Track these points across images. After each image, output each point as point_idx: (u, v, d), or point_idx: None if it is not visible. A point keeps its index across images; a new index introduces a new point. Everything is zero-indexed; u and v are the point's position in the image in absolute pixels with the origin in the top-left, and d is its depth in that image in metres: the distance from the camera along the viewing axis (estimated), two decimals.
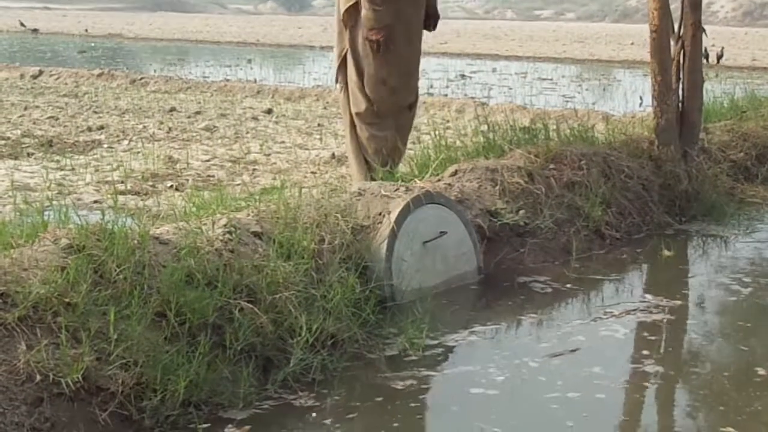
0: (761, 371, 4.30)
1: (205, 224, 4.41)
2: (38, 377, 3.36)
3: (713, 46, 16.12)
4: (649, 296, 5.46)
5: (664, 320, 5.02)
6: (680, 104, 7.46)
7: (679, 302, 5.35)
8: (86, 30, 38.00)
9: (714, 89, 9.95)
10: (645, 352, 4.58)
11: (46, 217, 4.18)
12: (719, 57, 20.58)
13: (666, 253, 6.22)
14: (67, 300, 3.59)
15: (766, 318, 5.24)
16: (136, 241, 3.97)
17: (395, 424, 3.80)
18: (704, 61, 7.88)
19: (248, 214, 4.70)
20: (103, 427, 3.46)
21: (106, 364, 3.52)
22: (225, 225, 4.40)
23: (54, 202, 5.04)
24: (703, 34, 7.64)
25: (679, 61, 7.48)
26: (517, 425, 3.81)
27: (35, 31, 37.58)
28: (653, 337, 4.83)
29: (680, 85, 7.49)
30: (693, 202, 7.13)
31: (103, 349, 3.54)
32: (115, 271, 3.79)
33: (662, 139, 7.20)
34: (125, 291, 3.76)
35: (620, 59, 25.00)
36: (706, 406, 4.08)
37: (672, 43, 7.38)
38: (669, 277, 5.95)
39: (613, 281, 5.75)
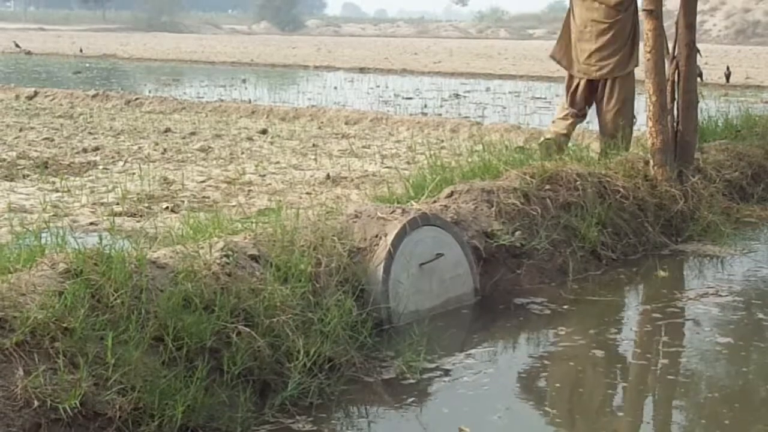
0: None
1: (202, 248, 4.40)
2: (36, 403, 3.34)
3: (706, 64, 16.15)
4: (645, 315, 5.48)
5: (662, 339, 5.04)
6: (675, 124, 7.49)
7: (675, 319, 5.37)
8: (81, 50, 38.04)
9: (709, 108, 9.97)
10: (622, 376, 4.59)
11: (42, 241, 4.18)
12: (728, 77, 20.64)
13: (661, 273, 6.24)
14: (64, 325, 3.58)
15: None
16: (133, 266, 3.97)
17: None
18: (699, 80, 7.91)
19: (245, 237, 4.70)
20: None
21: (104, 389, 3.51)
22: (222, 248, 4.40)
23: (50, 225, 5.04)
24: (698, 55, 7.69)
25: (674, 81, 7.52)
26: None
27: (29, 53, 37.65)
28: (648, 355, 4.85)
29: (675, 105, 7.53)
30: (689, 222, 7.15)
31: (100, 374, 3.53)
32: (113, 295, 3.78)
33: (657, 159, 7.23)
34: (123, 315, 3.75)
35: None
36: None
37: (667, 63, 7.43)
38: (664, 297, 5.93)
39: (610, 302, 5.77)
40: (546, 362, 4.80)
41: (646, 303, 5.91)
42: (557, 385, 4.56)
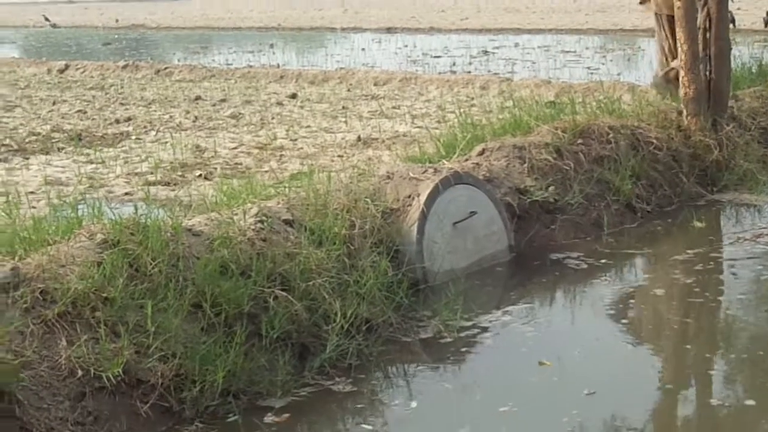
0: None
1: (236, 214, 4.43)
2: (80, 372, 3.42)
3: (738, 9, 15.81)
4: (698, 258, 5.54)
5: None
6: (708, 72, 7.36)
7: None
8: (117, 20, 38.20)
9: (742, 55, 9.79)
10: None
11: (79, 212, 4.23)
12: (767, 22, 20.10)
13: (697, 224, 6.19)
14: (104, 295, 3.64)
15: None
16: (169, 234, 4.01)
17: (435, 406, 3.83)
18: (731, 26, 7.74)
19: (278, 202, 4.72)
20: (145, 419, 3.51)
21: (145, 357, 3.57)
22: (256, 214, 4.43)
23: (87, 196, 5.09)
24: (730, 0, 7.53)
25: (705, 28, 7.38)
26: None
27: (54, 25, 37.95)
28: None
29: (707, 53, 7.39)
30: (724, 171, 7.05)
31: (141, 342, 3.59)
32: (150, 264, 3.83)
33: (691, 108, 7.11)
34: (161, 284, 3.80)
35: (644, 28, 24.63)
36: None
37: (698, 10, 7.28)
38: (713, 243, 5.96)
39: (650, 253, 5.76)
40: (607, 305, 4.87)
41: (695, 249, 5.82)
42: (625, 322, 4.68)
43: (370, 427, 3.67)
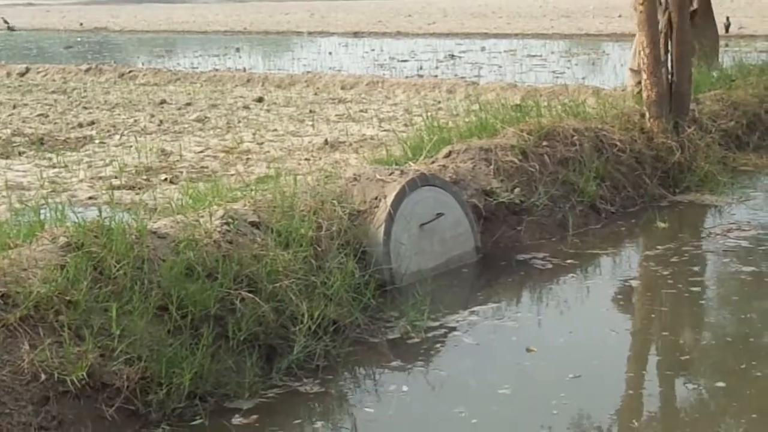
0: None
1: (202, 216, 4.41)
2: (43, 376, 3.37)
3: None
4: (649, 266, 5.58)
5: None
6: (670, 76, 7.46)
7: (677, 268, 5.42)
8: (81, 24, 37.79)
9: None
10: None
11: (42, 216, 4.18)
12: (727, 27, 20.48)
13: (661, 224, 6.26)
14: (68, 298, 3.60)
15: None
16: (134, 237, 3.98)
17: (401, 408, 3.83)
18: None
19: (245, 205, 4.70)
20: (110, 422, 3.48)
21: (110, 360, 3.53)
22: (222, 216, 4.41)
23: (49, 201, 5.03)
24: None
25: (666, 33, 7.47)
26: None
27: (11, 28, 37.46)
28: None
29: (669, 57, 7.49)
30: (686, 172, 7.15)
31: (106, 345, 3.56)
32: (115, 267, 3.79)
33: (653, 111, 7.21)
34: (126, 286, 3.76)
35: (608, 32, 24.87)
36: None
37: (659, 14, 7.38)
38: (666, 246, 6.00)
39: (611, 254, 5.81)
40: (573, 302, 4.98)
41: (660, 247, 5.88)
42: (591, 318, 4.83)
43: (372, 411, 3.74)
